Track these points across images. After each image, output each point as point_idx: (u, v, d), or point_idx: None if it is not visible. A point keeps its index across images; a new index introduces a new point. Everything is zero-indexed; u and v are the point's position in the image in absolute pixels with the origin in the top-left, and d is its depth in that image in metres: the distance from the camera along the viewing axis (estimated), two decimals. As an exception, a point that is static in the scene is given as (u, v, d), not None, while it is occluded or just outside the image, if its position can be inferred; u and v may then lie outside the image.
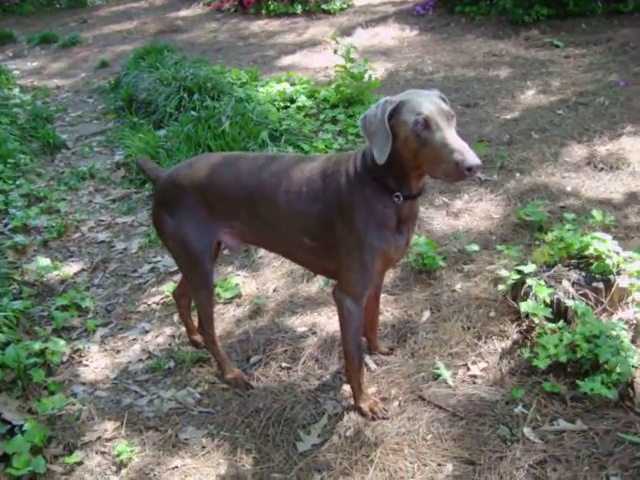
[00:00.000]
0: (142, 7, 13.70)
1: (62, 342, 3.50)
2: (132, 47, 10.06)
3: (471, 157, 2.09)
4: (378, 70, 7.68)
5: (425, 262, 3.65)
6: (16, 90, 8.57)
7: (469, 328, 3.25)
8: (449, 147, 2.14)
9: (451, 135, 2.18)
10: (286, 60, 8.69)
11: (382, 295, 3.39)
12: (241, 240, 2.92)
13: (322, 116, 6.20)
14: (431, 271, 3.69)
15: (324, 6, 11.00)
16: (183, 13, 12.50)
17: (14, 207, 5.13)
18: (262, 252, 4.21)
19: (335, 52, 6.43)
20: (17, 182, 5.54)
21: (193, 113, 5.87)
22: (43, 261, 4.29)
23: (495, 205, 4.42)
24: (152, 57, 8.11)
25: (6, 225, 4.92)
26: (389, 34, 9.44)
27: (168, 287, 3.90)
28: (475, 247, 3.82)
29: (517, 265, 3.38)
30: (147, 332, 3.61)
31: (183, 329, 3.50)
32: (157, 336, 3.56)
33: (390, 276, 3.72)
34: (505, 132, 5.56)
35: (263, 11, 11.35)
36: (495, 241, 3.97)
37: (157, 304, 3.86)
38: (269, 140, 5.45)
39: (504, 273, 3.41)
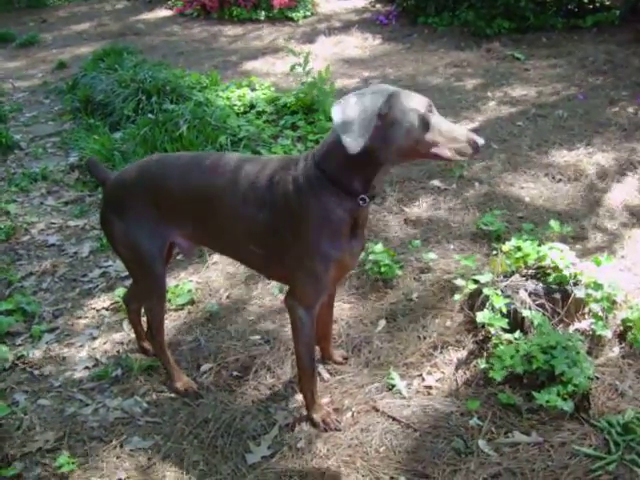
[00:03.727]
0: (104, 9, 13.49)
1: (5, 348, 3.38)
2: (92, 49, 9.87)
3: (478, 136, 2.24)
4: (340, 78, 7.63)
5: (382, 270, 3.59)
6: (-31, 89, 8.35)
7: (425, 338, 3.20)
8: (458, 128, 2.25)
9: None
10: (248, 65, 8.61)
11: (337, 303, 3.33)
12: (193, 243, 2.83)
13: (282, 122, 6.12)
14: (387, 279, 3.64)
15: (288, 13, 10.95)
16: (145, 16, 12.34)
17: (-39, 209, 4.96)
18: (216, 257, 4.12)
19: (294, 57, 6.38)
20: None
21: (150, 116, 5.75)
22: (-12, 264, 4.15)
23: (453, 214, 4.39)
24: (111, 59, 7.95)
25: (-49, 227, 4.76)
26: (352, 43, 9.41)
27: (119, 292, 3.79)
28: (432, 256, 3.78)
29: (474, 274, 3.34)
30: (95, 339, 3.49)
31: (132, 335, 3.38)
32: (105, 343, 3.44)
33: (346, 283, 3.66)
34: (465, 142, 5.54)
35: (226, 16, 11.25)
36: (452, 250, 3.93)
37: (107, 309, 3.74)
38: (228, 145, 5.36)
39: (461, 282, 3.38)
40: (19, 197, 5.30)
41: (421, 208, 4.47)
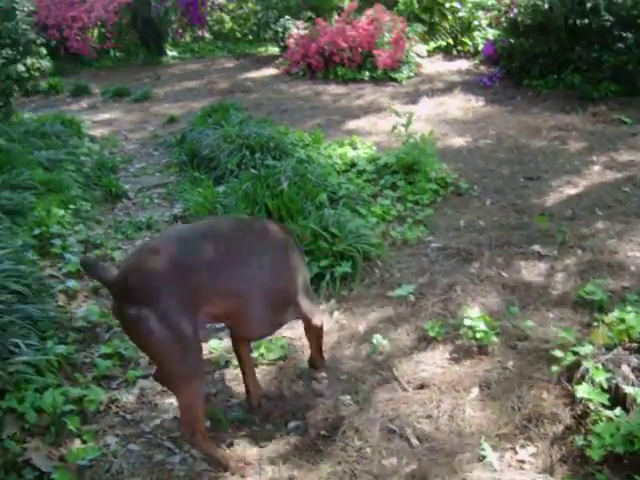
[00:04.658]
0: (214, 67, 14.05)
1: (101, 391, 3.47)
2: (201, 104, 10.27)
3: None
4: (442, 139, 7.64)
5: (477, 336, 3.51)
6: (85, 140, 8.80)
7: (519, 409, 3.08)
8: None
9: None
10: (351, 124, 8.74)
11: (429, 367, 3.28)
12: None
13: (382, 181, 6.16)
14: (482, 346, 3.55)
15: (392, 74, 11.09)
16: (253, 75, 12.77)
17: (70, 252, 5.17)
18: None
19: (396, 115, 6.44)
20: (76, 228, 5.61)
21: (253, 171, 5.90)
22: (92, 308, 4.30)
23: (554, 281, 4.26)
24: (218, 115, 8.25)
25: (60, 269, 4.96)
26: (454, 104, 9.43)
27: (212, 344, 3.84)
28: (530, 323, 3.67)
29: (574, 346, 3.22)
30: (187, 388, 3.54)
31: (222, 386, 3.42)
32: (196, 393, 3.49)
33: (439, 348, 3.60)
34: (568, 207, 5.42)
35: (331, 76, 11.51)
36: (552, 319, 3.81)
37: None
38: (327, 202, 5.41)
39: (559, 353, 3.26)
40: (124, 244, 5.50)
41: (520, 274, 4.37)
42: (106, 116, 10.60)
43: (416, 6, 12.77)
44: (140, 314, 2.53)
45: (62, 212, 5.76)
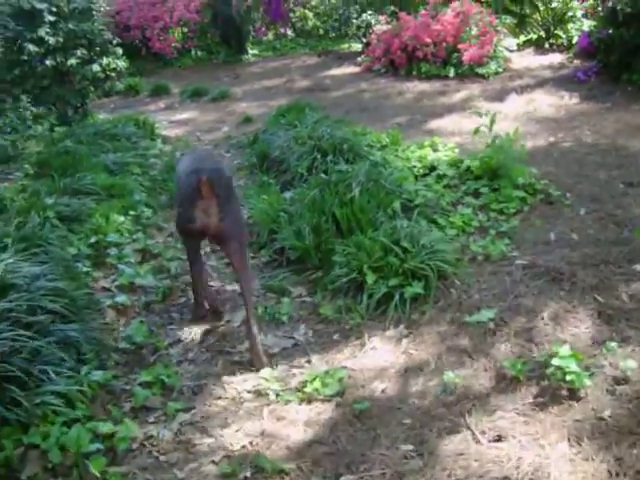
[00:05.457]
0: (295, 65, 13.72)
1: (135, 426, 3.11)
2: (278, 103, 9.94)
3: None
4: (530, 140, 7.02)
5: (566, 379, 2.97)
6: (158, 141, 8.59)
7: (618, 474, 2.54)
8: None
9: None
10: (432, 124, 8.20)
11: (507, 414, 2.78)
12: None
13: (464, 187, 5.62)
14: (574, 389, 3.00)
15: (478, 70, 10.43)
16: (333, 72, 12.36)
17: (125, 262, 4.88)
18: (376, 341, 3.68)
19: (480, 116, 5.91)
20: (134, 236, 5.32)
21: (323, 176, 5.46)
22: (138, 327, 3.97)
23: (660, 309, 3.66)
24: (292, 115, 7.87)
25: (114, 281, 4.67)
26: (545, 101, 8.73)
27: (264, 373, 3.44)
28: (632, 364, 3.09)
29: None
30: (229, 425, 3.14)
31: (269, 427, 3.02)
32: (238, 431, 3.09)
33: (521, 390, 3.08)
34: (676, 219, 4.76)
35: (414, 72, 10.95)
36: (658, 357, 3.23)
37: (249, 392, 3.39)
38: (400, 211, 4.93)
39: (669, 404, 2.69)
40: (184, 254, 5.17)
41: (619, 299, 3.77)
42: (183, 116, 10.41)
43: (506, -2, 12.09)
44: None
45: (122, 219, 5.50)
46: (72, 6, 9.32)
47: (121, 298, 4.32)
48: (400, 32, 11.15)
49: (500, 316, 3.70)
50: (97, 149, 7.14)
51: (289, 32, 17.38)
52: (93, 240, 5.08)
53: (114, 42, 10.06)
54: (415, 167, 6.08)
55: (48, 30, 9.06)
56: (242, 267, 3.74)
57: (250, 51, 15.13)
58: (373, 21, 12.71)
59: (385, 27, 12.12)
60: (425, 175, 5.98)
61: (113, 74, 10.06)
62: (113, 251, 5.00)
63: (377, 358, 3.55)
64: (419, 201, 5.12)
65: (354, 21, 13.45)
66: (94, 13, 9.80)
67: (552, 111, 8.32)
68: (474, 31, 10.77)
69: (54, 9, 9.15)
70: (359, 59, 12.62)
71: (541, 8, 11.77)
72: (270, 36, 17.57)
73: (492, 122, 5.70)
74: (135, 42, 14.61)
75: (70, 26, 9.20)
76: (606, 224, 4.79)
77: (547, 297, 3.84)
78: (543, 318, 3.62)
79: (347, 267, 4.22)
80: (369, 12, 13.00)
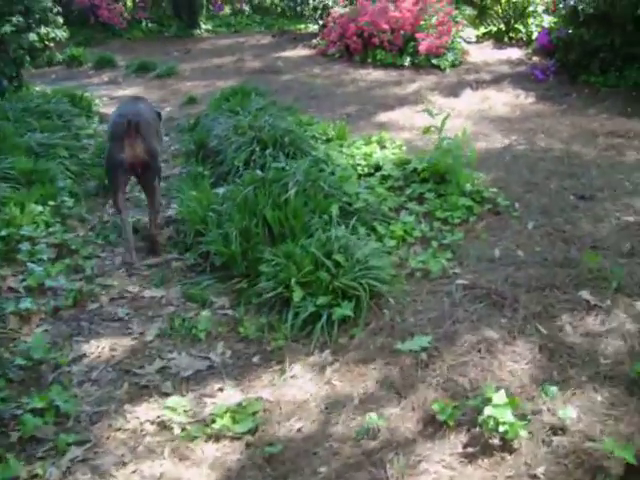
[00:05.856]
0: (248, 43, 13.23)
1: (19, 463, 2.75)
2: (226, 84, 9.54)
3: None
4: (483, 140, 6.75)
5: (499, 429, 2.68)
6: (95, 119, 8.12)
7: None
8: None
9: None
10: (383, 116, 7.87)
11: (431, 466, 2.48)
12: None
13: (408, 191, 5.31)
14: (507, 440, 2.72)
15: (434, 60, 10.11)
16: (286, 54, 11.92)
17: (37, 260, 4.47)
18: (297, 369, 3.36)
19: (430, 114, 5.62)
20: (51, 229, 4.90)
21: (259, 172, 5.10)
22: (38, 339, 3.58)
23: (605, 344, 3.39)
24: (237, 99, 7.47)
25: (22, 281, 4.27)
26: (501, 99, 8.47)
27: (170, 403, 3.10)
28: (571, 412, 2.82)
29: (626, 447, 2.40)
30: (125, 465, 2.79)
31: (166, 469, 2.68)
32: (133, 472, 2.74)
33: (450, 438, 2.78)
34: (626, 239, 4.51)
35: (369, 59, 10.57)
36: (600, 403, 2.96)
37: (152, 423, 3.04)
38: (339, 216, 4.60)
39: (607, 462, 2.43)
40: (103, 252, 4.79)
41: (563, 330, 3.50)
42: (126, 92, 9.88)
43: (468, -14, 11.80)
44: None
45: (40, 209, 5.07)
46: (9, -31, 8.72)
47: (25, 303, 3.93)
48: (357, 16, 10.77)
49: (435, 345, 3.40)
50: (23, 127, 6.64)
51: (246, 8, 16.84)
52: (4, 233, 4.65)
53: (54, 10, 9.47)
54: (360, 165, 5.77)
55: (-19, -7, 8.47)
56: (153, 192, 4.79)
57: (203, 26, 14.60)
58: (330, 2, 12.28)
59: (343, 10, 11.71)
60: (369, 175, 5.67)
61: (52, 44, 9.47)
62: (25, 246, 4.59)
63: (297, 388, 3.22)
64: (359, 205, 4.80)
65: (311, 1, 13.01)
66: (33, -22, 9.19)
67: (507, 110, 8.08)
68: (433, 20, 10.45)
69: (-10, -30, 8.55)
70: (314, 41, 12.24)
71: (502, 0, 11.48)
72: (227, 10, 17.03)
73: (443, 124, 5.40)
74: (83, 10, 13.99)
75: (5, -10, 8.61)
76: (554, 241, 4.53)
77: (486, 325, 3.55)
78: (480, 351, 3.33)
79: (274, 280, 3.90)
80: (327, -7, 12.58)
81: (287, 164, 5.23)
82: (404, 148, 6.29)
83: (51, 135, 6.53)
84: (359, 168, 5.72)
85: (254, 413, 3.01)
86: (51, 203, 5.19)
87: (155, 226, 4.77)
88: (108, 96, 9.59)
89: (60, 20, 9.59)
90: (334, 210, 4.64)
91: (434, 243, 4.53)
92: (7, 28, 8.65)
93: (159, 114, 5.30)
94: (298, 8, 14.14)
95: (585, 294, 3.80)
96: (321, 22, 12.42)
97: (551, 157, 6.26)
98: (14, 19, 8.70)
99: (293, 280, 3.78)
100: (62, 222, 5.07)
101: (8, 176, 5.45)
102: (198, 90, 9.61)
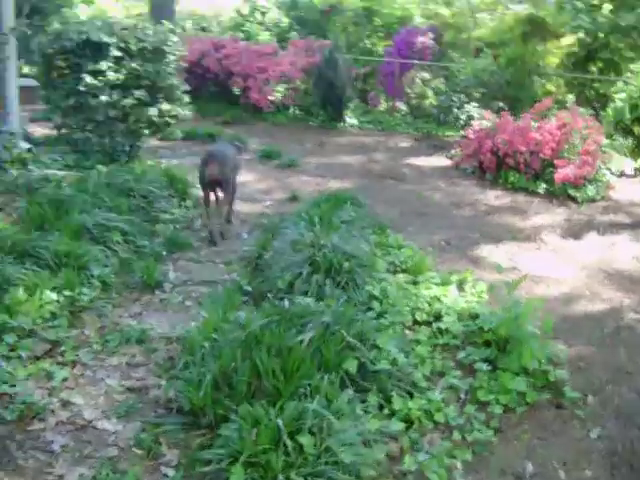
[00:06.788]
0: (386, 144, 12.70)
1: None
2: (340, 185, 9.09)
3: None
4: (584, 299, 5.71)
5: None
6: (188, 203, 7.84)
7: None
8: None
9: None
10: (484, 250, 6.93)
11: None
12: None
13: (461, 354, 4.43)
14: None
15: (571, 191, 9.04)
16: (419, 161, 11.22)
17: (13, 357, 4.05)
18: None
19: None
20: (54, 322, 4.49)
21: (284, 303, 4.42)
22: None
23: None
24: (325, 208, 6.85)
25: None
26: (631, 250, 7.18)
27: None
28: None
29: None
30: None
31: None
32: None
33: None
34: None
35: (501, 180, 9.73)
36: None
37: None
38: (353, 375, 3.81)
39: None
40: (93, 359, 4.26)
41: None
42: (239, 179, 9.60)
43: (627, 116, 10.70)
44: None
45: (54, 297, 4.68)
46: (141, 45, 8.83)
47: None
48: (495, 133, 10.01)
49: None
50: (94, 205, 6.36)
51: (402, 107, 16.47)
52: (-5, 321, 4.26)
53: (182, 88, 9.49)
54: (419, 310, 4.95)
55: (111, 65, 8.60)
56: (225, 197, 7.00)
57: (349, 120, 14.31)
58: (476, 114, 11.59)
59: (486, 124, 10.96)
60: (427, 323, 4.83)
61: (173, 121, 9.45)
62: (9, 338, 4.18)
63: None
64: (381, 367, 3.96)
65: (455, 110, 12.38)
66: (169, 56, 9.27)
67: (634, 266, 6.86)
68: (577, 147, 9.47)
69: (122, 45, 8.68)
70: (452, 152, 11.53)
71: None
72: (383, 107, 16.75)
73: (514, 287, 4.51)
74: (235, 89, 14.33)
75: (133, 65, 8.70)
76: (618, 465, 3.47)
77: None
78: None
79: (227, 448, 3.16)
80: (473, 103, 11.90)
81: (309, 302, 4.48)
82: (485, 296, 5.36)
83: (117, 216, 6.21)
84: (417, 314, 4.91)
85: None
86: (66, 293, 4.78)
87: (225, 217, 7.11)
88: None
89: (186, 98, 9.60)
90: (351, 367, 3.86)
91: (456, 435, 3.62)
92: (129, 100, 8.72)
93: (239, 147, 7.65)
94: (441, 115, 13.48)
95: None
96: (463, 132, 11.73)
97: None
98: (137, 92, 8.75)
99: (242, 458, 3.03)
100: (69, 317, 4.64)
101: (39, 256, 5.11)
102: (307, 188, 9.17)
